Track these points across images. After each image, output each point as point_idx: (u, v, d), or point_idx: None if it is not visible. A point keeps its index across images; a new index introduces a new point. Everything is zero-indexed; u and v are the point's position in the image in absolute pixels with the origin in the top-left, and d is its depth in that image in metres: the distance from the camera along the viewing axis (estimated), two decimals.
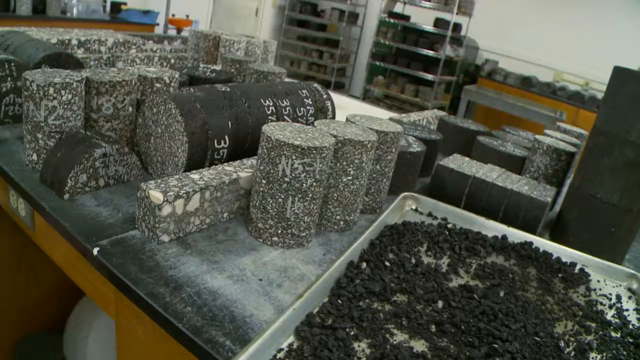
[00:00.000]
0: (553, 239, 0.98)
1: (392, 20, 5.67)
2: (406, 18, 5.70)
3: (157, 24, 3.93)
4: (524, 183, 1.02)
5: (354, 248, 0.71)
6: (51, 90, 0.80)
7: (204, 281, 0.62)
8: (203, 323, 0.55)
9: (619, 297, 0.79)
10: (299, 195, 0.70)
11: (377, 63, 5.78)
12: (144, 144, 0.91)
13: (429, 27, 5.33)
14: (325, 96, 1.19)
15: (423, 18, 5.55)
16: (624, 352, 0.65)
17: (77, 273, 0.78)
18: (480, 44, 5.77)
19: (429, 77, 5.29)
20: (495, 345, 0.58)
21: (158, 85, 0.97)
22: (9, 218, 0.98)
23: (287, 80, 1.29)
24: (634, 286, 0.83)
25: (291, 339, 0.53)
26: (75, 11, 3.27)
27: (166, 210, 0.67)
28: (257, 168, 0.72)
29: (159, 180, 0.71)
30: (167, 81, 0.98)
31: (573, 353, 0.63)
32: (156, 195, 0.66)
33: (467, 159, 1.12)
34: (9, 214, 0.96)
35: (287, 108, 1.05)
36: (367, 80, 5.99)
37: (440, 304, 0.66)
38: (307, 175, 0.68)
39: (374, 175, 0.88)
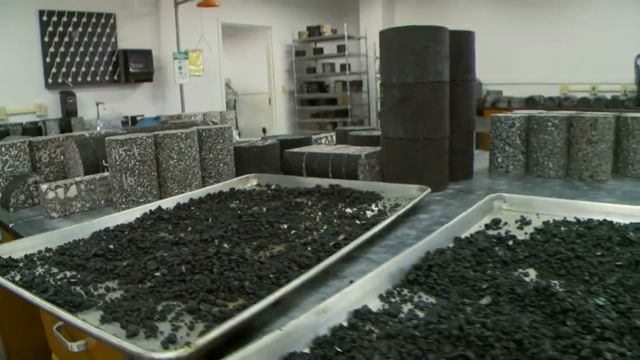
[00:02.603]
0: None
1: None
2: None
3: None
4: (358, 149, 1.37)
5: (168, 200, 1.11)
6: (3, 149, 1.33)
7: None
8: None
9: (396, 205, 1.07)
10: (128, 173, 1.13)
11: None
12: (69, 176, 1.41)
13: None
14: None
15: None
16: (348, 229, 0.93)
17: None
18: (483, 79, 6.13)
19: None
20: (212, 229, 0.94)
21: None
22: None
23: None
24: (420, 195, 1.10)
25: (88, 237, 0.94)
26: (98, 128, 4.19)
27: (50, 195, 1.13)
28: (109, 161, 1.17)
29: (54, 183, 1.18)
30: (88, 137, 1.50)
31: (296, 232, 0.93)
32: (43, 186, 1.13)
33: (322, 146, 1.51)
34: None
35: None
36: None
37: (210, 220, 1.03)
38: (129, 157, 1.13)
39: (211, 162, 1.30)
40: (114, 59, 4.67)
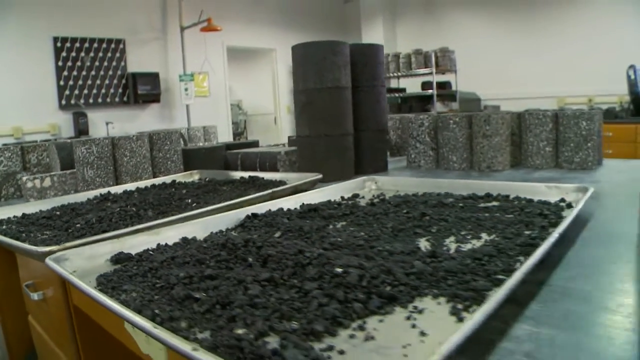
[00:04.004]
0: None
1: (394, 95, 6.57)
2: (402, 90, 6.58)
3: None
4: (284, 149, 1.67)
5: (118, 187, 1.43)
6: None
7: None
8: None
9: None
10: (88, 166, 1.46)
11: None
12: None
13: (417, 91, 6.14)
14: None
15: (417, 85, 6.39)
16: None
17: None
18: (481, 94, 6.36)
19: None
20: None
21: None
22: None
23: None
24: (315, 178, 1.37)
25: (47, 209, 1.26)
26: None
27: (29, 184, 1.47)
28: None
29: (33, 175, 1.52)
30: (68, 142, 1.85)
31: (197, 204, 1.24)
32: (24, 178, 1.47)
33: (260, 147, 1.81)
34: None
35: None
36: None
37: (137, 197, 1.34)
38: (89, 154, 1.46)
39: (160, 160, 1.62)
40: (123, 81, 5.15)
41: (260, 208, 0.99)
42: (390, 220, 0.90)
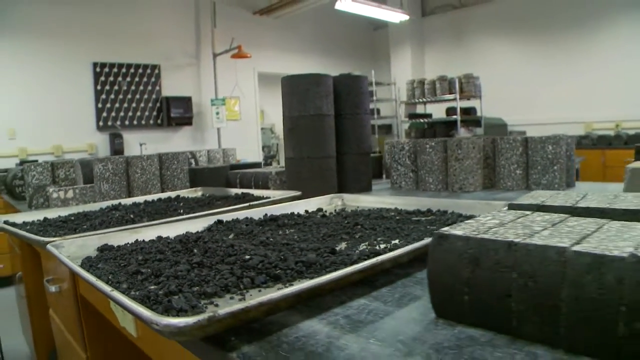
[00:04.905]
0: None
1: (420, 120, 6.74)
2: (428, 116, 6.74)
3: None
4: (277, 169, 1.91)
5: (128, 199, 1.69)
6: (32, 167, 2.01)
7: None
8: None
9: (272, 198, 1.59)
10: (104, 181, 1.74)
11: None
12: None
13: (442, 117, 6.28)
14: (194, 158, 2.26)
15: (444, 111, 6.54)
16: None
17: None
18: (508, 120, 6.43)
19: None
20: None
21: None
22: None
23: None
24: (294, 194, 1.60)
25: (64, 215, 1.53)
26: None
27: (54, 195, 1.76)
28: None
29: (58, 188, 1.81)
30: (91, 159, 2.16)
31: (186, 214, 1.48)
32: (50, 189, 1.76)
33: (258, 169, 2.05)
34: None
35: None
36: None
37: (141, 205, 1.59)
38: (105, 170, 1.74)
39: (168, 177, 1.88)
40: (157, 104, 5.60)
41: (229, 216, 1.21)
42: (328, 228, 1.10)
